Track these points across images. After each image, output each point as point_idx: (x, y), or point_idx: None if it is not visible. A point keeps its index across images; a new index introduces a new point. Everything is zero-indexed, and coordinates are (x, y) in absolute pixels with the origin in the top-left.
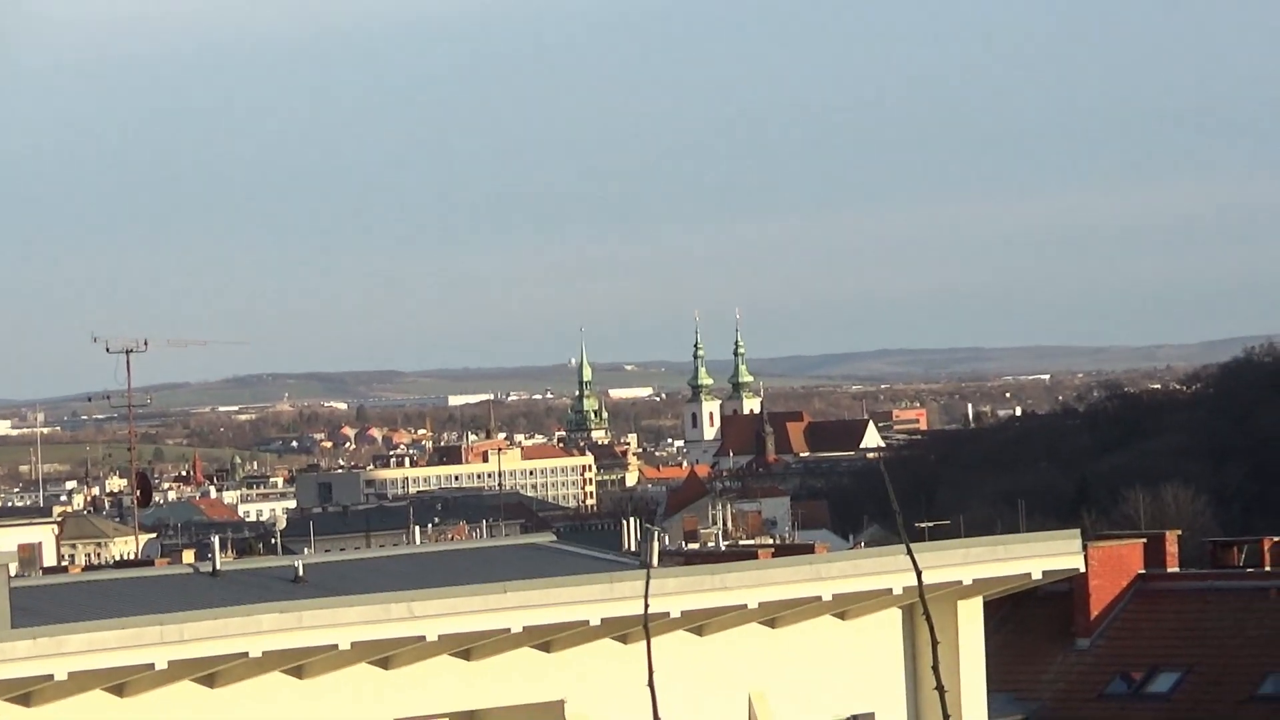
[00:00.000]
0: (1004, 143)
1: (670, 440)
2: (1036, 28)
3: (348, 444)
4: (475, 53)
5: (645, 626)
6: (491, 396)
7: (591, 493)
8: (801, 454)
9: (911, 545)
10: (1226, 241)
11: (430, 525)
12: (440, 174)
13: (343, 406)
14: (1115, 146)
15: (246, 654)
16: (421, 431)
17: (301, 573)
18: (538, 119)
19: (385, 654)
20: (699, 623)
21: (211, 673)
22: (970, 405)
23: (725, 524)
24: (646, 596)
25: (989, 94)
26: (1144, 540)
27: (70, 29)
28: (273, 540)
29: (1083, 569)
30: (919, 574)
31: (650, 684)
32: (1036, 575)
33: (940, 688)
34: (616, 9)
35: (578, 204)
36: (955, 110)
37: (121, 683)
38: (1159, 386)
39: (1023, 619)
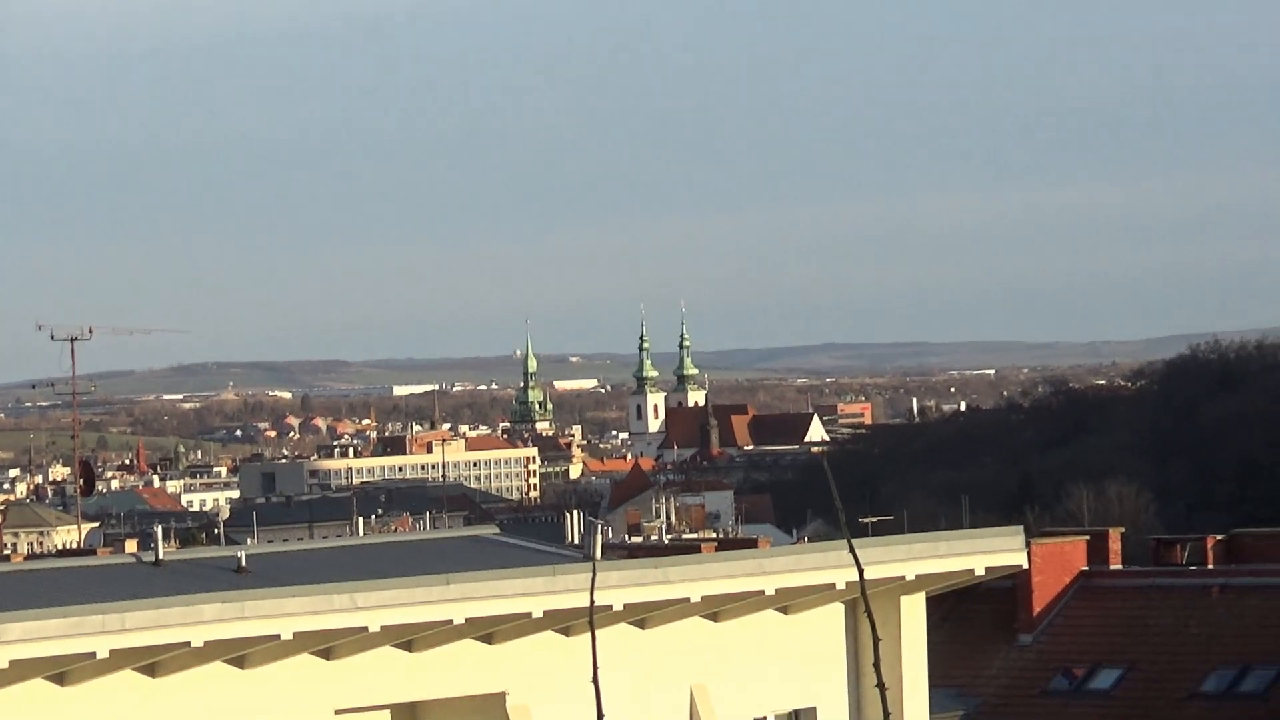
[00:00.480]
0: (946, 138)
1: (615, 433)
2: (975, 21)
3: (292, 433)
4: (418, 46)
5: (590, 622)
6: (436, 387)
7: (535, 485)
8: (746, 447)
9: (854, 540)
10: (1171, 238)
11: (374, 516)
12: (386, 165)
13: (287, 396)
14: (1059, 142)
15: (188, 643)
16: (366, 422)
17: (244, 563)
18: (480, 111)
19: (327, 644)
20: (641, 616)
21: (153, 662)
22: (915, 400)
23: (669, 517)
24: (592, 591)
25: (927, 89)
26: (1087, 537)
27: (9, 20)
28: (216, 530)
29: (1026, 565)
30: (860, 570)
31: (595, 680)
32: (979, 571)
33: (881, 684)
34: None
35: (523, 195)
36: (894, 106)
37: (62, 671)
38: (1104, 383)
39: (965, 615)
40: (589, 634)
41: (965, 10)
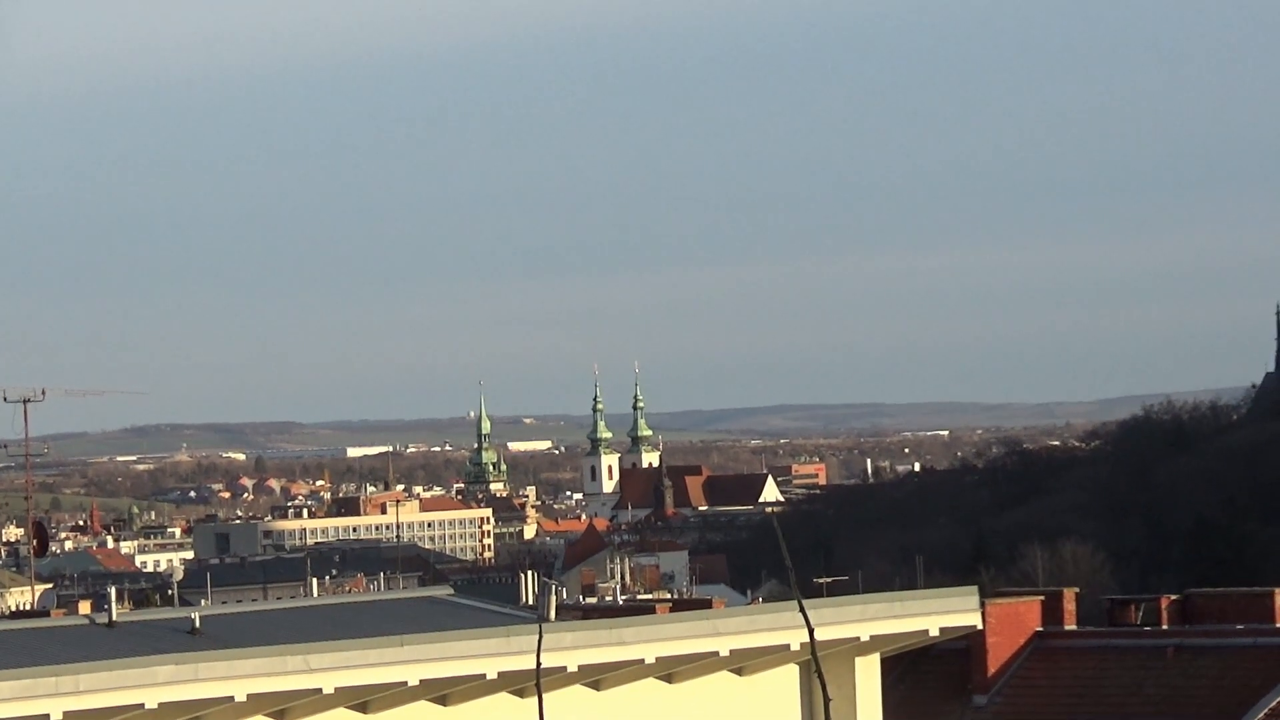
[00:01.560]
0: (901, 199)
1: (569, 493)
2: (920, 75)
3: (245, 494)
4: (367, 105)
5: (538, 685)
6: (390, 448)
7: (490, 545)
8: (700, 508)
9: (809, 601)
10: (1124, 299)
11: (328, 577)
12: (337, 225)
13: (241, 457)
14: (1013, 205)
15: (142, 705)
16: (320, 483)
17: (198, 624)
18: (431, 172)
19: (281, 706)
20: (595, 677)
21: None
22: (869, 461)
23: (623, 578)
24: (539, 654)
25: (876, 148)
26: (1042, 598)
27: None
28: (170, 591)
29: (980, 626)
30: (811, 631)
31: None
32: (934, 632)
33: None
34: (489, 60)
35: (478, 257)
36: (848, 166)
37: None
38: (1058, 443)
39: (920, 676)
40: (544, 695)
41: (910, 64)
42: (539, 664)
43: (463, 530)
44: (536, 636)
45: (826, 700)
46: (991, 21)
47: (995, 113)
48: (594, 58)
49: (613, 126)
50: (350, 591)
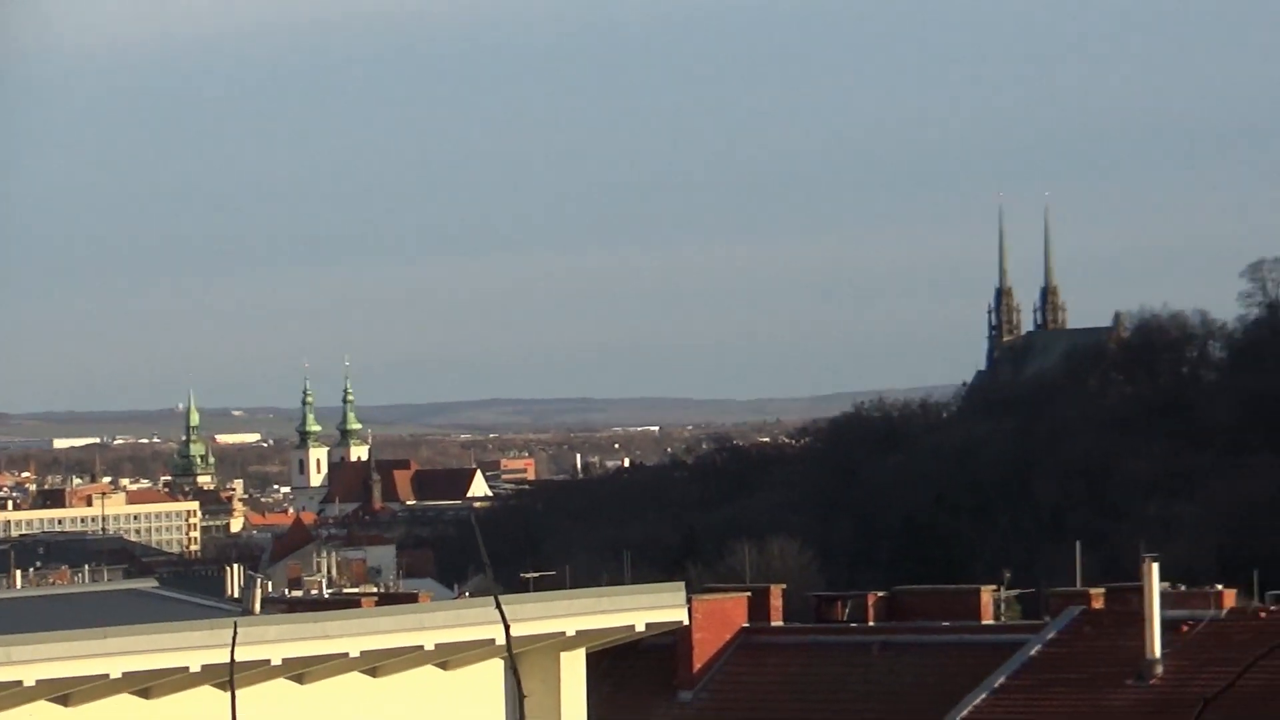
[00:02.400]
0: (612, 194)
1: (277, 487)
2: (676, 74)
3: None
4: (71, 103)
5: (231, 681)
6: (97, 440)
7: (196, 538)
8: (408, 502)
9: (515, 596)
10: (836, 297)
11: (32, 569)
12: (38, 215)
13: None
14: (723, 201)
15: None
16: (25, 474)
17: None
18: (139, 165)
19: None
20: (299, 671)
21: None
22: (579, 456)
23: (330, 572)
24: (234, 647)
25: (590, 141)
26: (749, 594)
27: None
28: None
29: (686, 622)
30: (507, 626)
31: None
32: (640, 627)
33: None
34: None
35: (187, 247)
36: (550, 162)
37: None
38: (768, 440)
39: (626, 671)
40: (240, 690)
41: (607, 70)
42: (233, 658)
43: (169, 523)
44: (241, 629)
45: (521, 696)
46: (709, 18)
47: (698, 111)
48: (265, 57)
49: (315, 122)
50: (54, 584)
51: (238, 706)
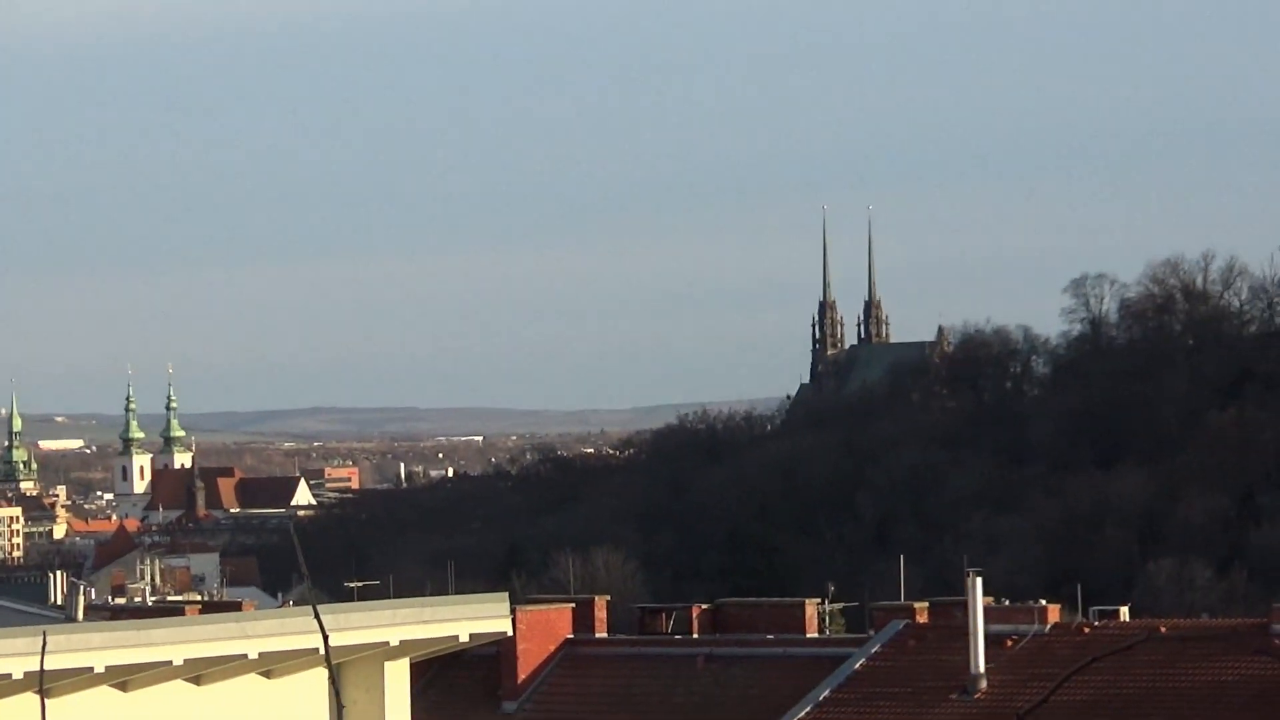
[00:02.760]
0: (437, 201)
1: (100, 493)
2: (498, 83)
3: None
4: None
5: (40, 690)
6: None
7: (19, 545)
8: (232, 510)
9: (339, 605)
10: (660, 308)
11: None
12: None
13: None
14: (546, 211)
15: None
16: None
17: None
18: None
19: None
20: (123, 678)
21: None
22: (403, 465)
23: (154, 579)
24: (43, 655)
25: (416, 147)
26: (573, 605)
27: None
28: None
29: (510, 632)
30: (325, 636)
31: None
32: (464, 638)
33: None
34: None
35: (9, 248)
36: (382, 168)
37: None
38: (592, 451)
39: (450, 681)
40: (62, 697)
41: (449, 79)
42: (42, 666)
43: None
44: (63, 636)
45: (340, 707)
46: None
47: (521, 119)
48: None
49: (155, 125)
50: None
51: (61, 714)
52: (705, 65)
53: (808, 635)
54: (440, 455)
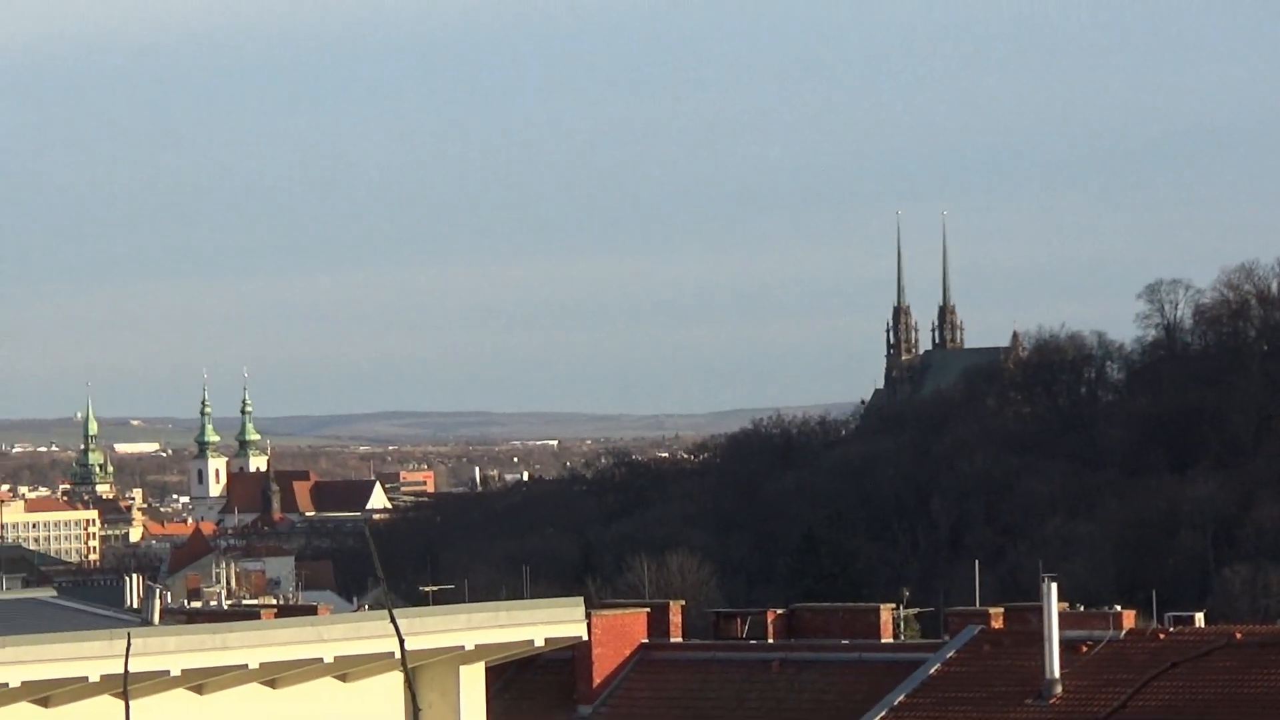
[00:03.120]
0: (513, 207)
1: (176, 496)
2: (571, 92)
3: None
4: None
5: (125, 692)
6: None
7: (95, 548)
8: (308, 513)
9: (414, 610)
10: (737, 313)
11: None
12: None
13: None
14: (626, 218)
15: None
16: None
17: None
18: (43, 170)
19: None
20: (199, 682)
21: None
22: (478, 469)
23: (229, 582)
24: (127, 657)
25: (497, 151)
26: (648, 609)
27: None
28: None
29: (585, 637)
30: (401, 640)
31: None
32: (539, 642)
33: None
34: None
35: (85, 255)
36: (451, 172)
37: None
38: (666, 455)
39: (525, 686)
40: (139, 700)
41: (522, 84)
42: (126, 669)
43: (68, 532)
44: (139, 639)
45: (416, 710)
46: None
47: (613, 122)
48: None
49: (223, 130)
50: None
51: (138, 717)
52: (782, 73)
53: (882, 640)
54: (515, 459)
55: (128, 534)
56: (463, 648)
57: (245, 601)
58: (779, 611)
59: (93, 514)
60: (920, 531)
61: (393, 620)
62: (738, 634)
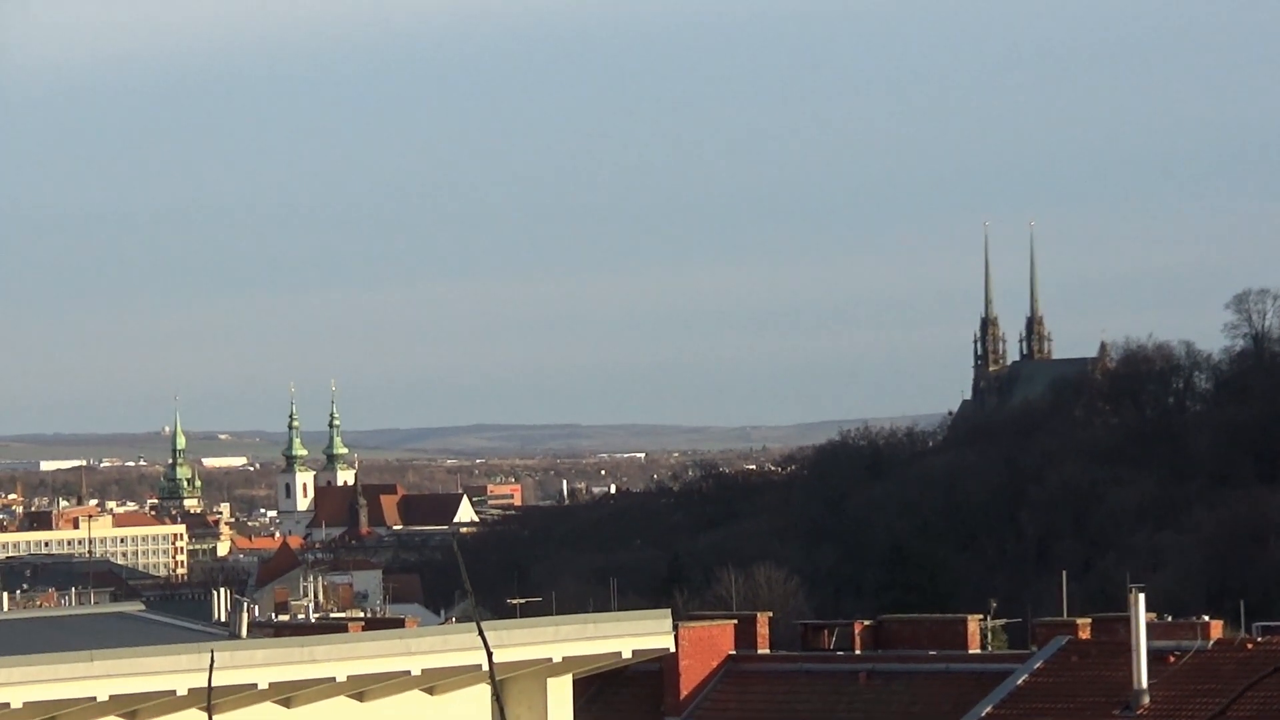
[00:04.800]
0: (605, 219)
1: (263, 510)
2: (664, 104)
3: None
4: (51, 126)
5: (209, 706)
6: (84, 462)
7: (183, 562)
8: (395, 527)
9: (502, 622)
10: (823, 324)
11: (19, 591)
12: (30, 237)
13: None
14: (714, 227)
15: None
16: (12, 496)
17: None
18: (127, 186)
19: None
20: (287, 695)
21: None
22: (565, 482)
23: (317, 596)
24: (210, 673)
25: (577, 168)
26: (735, 621)
27: None
28: None
29: (673, 649)
30: (489, 653)
31: None
32: (627, 654)
33: None
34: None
35: (170, 270)
36: (542, 188)
37: None
38: (754, 467)
39: (613, 697)
40: (227, 713)
41: (613, 99)
42: (210, 684)
43: (156, 546)
44: (227, 653)
45: None
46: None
47: (696, 131)
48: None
49: (307, 149)
50: (41, 606)
51: None
52: (870, 84)
53: (970, 651)
54: (603, 472)
55: (215, 548)
56: (550, 660)
57: (333, 615)
58: (866, 623)
59: (180, 528)
60: (1008, 542)
61: (481, 633)
62: (825, 645)
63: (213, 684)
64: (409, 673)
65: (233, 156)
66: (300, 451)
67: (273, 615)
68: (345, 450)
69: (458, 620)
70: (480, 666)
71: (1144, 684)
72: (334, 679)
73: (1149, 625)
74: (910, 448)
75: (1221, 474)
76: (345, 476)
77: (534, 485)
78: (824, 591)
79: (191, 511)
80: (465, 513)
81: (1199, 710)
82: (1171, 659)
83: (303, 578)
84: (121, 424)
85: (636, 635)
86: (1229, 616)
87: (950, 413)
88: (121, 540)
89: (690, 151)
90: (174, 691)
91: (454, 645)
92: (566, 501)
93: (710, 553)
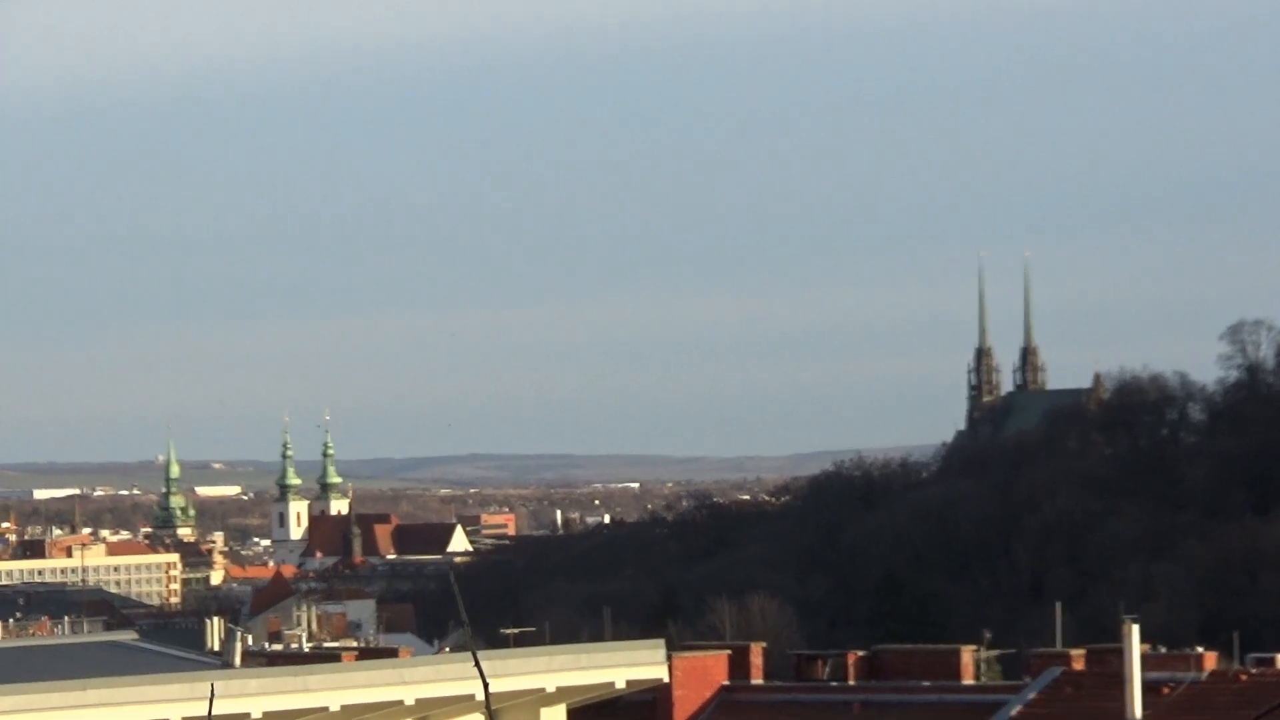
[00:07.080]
0: (597, 249)
1: (257, 540)
2: (659, 130)
3: None
4: (52, 149)
5: None
6: (78, 491)
7: (176, 590)
8: (388, 556)
9: (495, 651)
10: (816, 355)
11: (12, 620)
12: (22, 263)
13: None
14: (705, 257)
15: None
16: (6, 525)
17: None
18: (125, 212)
19: None
20: None
21: None
22: (559, 511)
23: (310, 625)
24: (211, 704)
25: (572, 197)
26: (729, 651)
27: None
28: None
29: (666, 679)
30: (485, 683)
31: None
32: (620, 684)
33: None
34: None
35: (165, 298)
36: (537, 216)
37: None
38: (748, 497)
39: None
40: None
41: (609, 124)
42: (210, 713)
43: (149, 575)
44: (220, 683)
45: None
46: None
47: (691, 160)
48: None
49: (296, 174)
50: (34, 635)
51: None
52: (864, 115)
53: (963, 682)
54: (597, 502)
55: (209, 577)
56: (544, 690)
57: (326, 644)
58: (860, 653)
59: (174, 557)
60: (1001, 573)
61: (476, 663)
62: (819, 675)
63: (204, 712)
64: (403, 702)
65: (228, 184)
66: (294, 481)
67: (266, 645)
68: (339, 479)
69: (451, 650)
70: (473, 696)
71: (1138, 715)
72: (327, 708)
73: (1143, 656)
74: (904, 478)
75: (1215, 505)
76: (339, 506)
77: (528, 515)
78: (817, 621)
79: (185, 540)
80: (459, 542)
81: None
82: (1165, 690)
83: (296, 607)
84: (115, 453)
85: (630, 665)
86: (1223, 648)
87: (944, 443)
88: (115, 569)
89: (685, 180)
90: None
91: (447, 675)
92: (560, 531)
93: (704, 583)
